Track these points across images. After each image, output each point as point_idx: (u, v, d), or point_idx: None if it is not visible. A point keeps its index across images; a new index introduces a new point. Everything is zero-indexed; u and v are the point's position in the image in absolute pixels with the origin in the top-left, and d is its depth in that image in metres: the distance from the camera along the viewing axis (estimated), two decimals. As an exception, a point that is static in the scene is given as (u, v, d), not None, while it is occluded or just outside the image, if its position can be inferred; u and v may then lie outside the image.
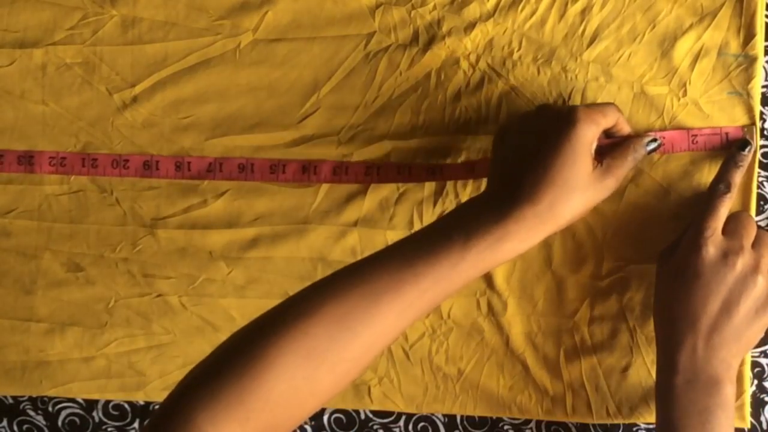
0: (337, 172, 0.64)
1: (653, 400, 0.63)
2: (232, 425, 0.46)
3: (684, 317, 0.57)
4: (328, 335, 0.49)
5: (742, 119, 0.61)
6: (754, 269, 0.57)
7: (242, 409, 0.47)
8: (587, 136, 0.54)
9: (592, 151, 0.55)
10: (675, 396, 0.56)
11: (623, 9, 0.61)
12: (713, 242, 0.57)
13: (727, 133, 0.61)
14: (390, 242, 0.64)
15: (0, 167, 0.66)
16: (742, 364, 0.62)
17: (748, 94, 0.61)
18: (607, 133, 0.57)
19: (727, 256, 0.56)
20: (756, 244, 0.58)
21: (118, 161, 0.65)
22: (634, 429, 0.65)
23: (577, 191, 0.54)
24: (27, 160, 0.66)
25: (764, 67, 0.61)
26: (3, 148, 0.66)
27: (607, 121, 0.56)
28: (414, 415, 0.67)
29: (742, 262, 0.56)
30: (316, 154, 0.64)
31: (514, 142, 0.57)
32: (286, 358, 0.48)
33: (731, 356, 0.57)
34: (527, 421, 0.66)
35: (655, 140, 0.58)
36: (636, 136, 0.58)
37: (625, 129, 0.58)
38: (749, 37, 0.60)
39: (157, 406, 0.65)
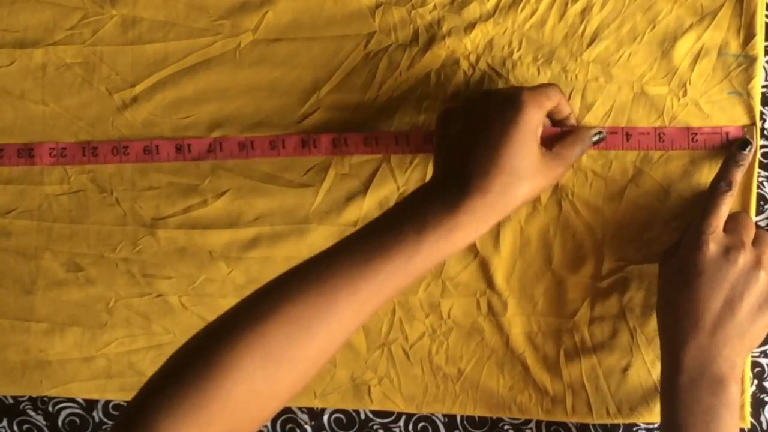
0: (337, 144, 0.64)
1: (653, 400, 0.63)
2: (193, 430, 0.46)
3: (687, 315, 0.57)
4: (285, 336, 0.49)
5: (742, 119, 0.61)
6: (756, 265, 0.56)
7: (203, 413, 0.46)
8: (534, 120, 0.54)
9: (539, 136, 0.55)
10: (679, 395, 0.56)
11: (623, 9, 0.61)
12: (714, 239, 0.57)
13: (727, 133, 0.61)
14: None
15: (0, 161, 0.66)
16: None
17: (748, 94, 0.61)
18: (550, 116, 0.58)
19: (728, 252, 0.56)
20: (756, 242, 0.58)
21: (118, 148, 0.65)
22: (634, 429, 0.65)
23: (527, 178, 0.54)
24: (27, 153, 0.66)
25: (764, 67, 0.61)
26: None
27: (550, 102, 0.56)
28: (414, 415, 0.67)
29: (743, 258, 0.56)
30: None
31: (458, 127, 0.56)
32: (244, 360, 0.47)
33: (735, 354, 0.56)
34: (527, 421, 0.66)
35: (600, 132, 0.60)
36: (583, 126, 0.60)
37: (566, 110, 0.59)
38: (749, 37, 0.60)
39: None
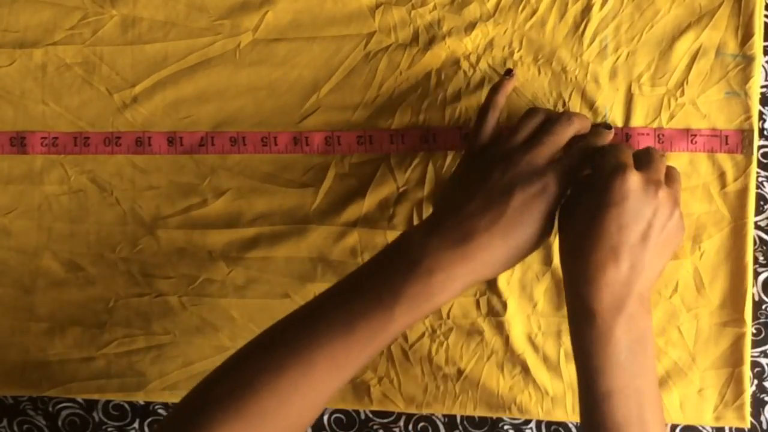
0: (329, 142, 0.64)
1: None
2: None
3: (603, 246, 0.53)
4: (262, 410, 0.49)
5: (739, 119, 0.61)
6: (673, 202, 0.54)
7: None
8: (555, 205, 0.55)
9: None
10: (595, 340, 0.53)
11: (622, 9, 0.61)
12: (633, 171, 0.53)
13: (726, 136, 0.61)
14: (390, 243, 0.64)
15: (-7, 150, 0.66)
16: (742, 363, 0.62)
17: (746, 94, 0.61)
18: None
19: (648, 185, 0.53)
20: (668, 179, 0.56)
21: (110, 139, 0.65)
22: (634, 428, 0.65)
23: (530, 250, 0.55)
24: (19, 141, 0.66)
25: (764, 67, 0.61)
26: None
27: (579, 170, 0.56)
28: (414, 415, 0.67)
29: (663, 193, 0.53)
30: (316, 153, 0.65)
31: (493, 179, 0.55)
32: None
33: (645, 290, 0.54)
34: (527, 421, 0.66)
35: None
36: None
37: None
38: (747, 36, 0.61)
39: None
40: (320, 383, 0.51)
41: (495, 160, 0.56)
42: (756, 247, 0.63)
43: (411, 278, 0.52)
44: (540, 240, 0.55)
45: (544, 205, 0.54)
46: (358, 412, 0.67)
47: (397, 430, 0.67)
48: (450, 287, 0.53)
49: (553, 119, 0.57)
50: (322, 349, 0.51)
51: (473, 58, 0.63)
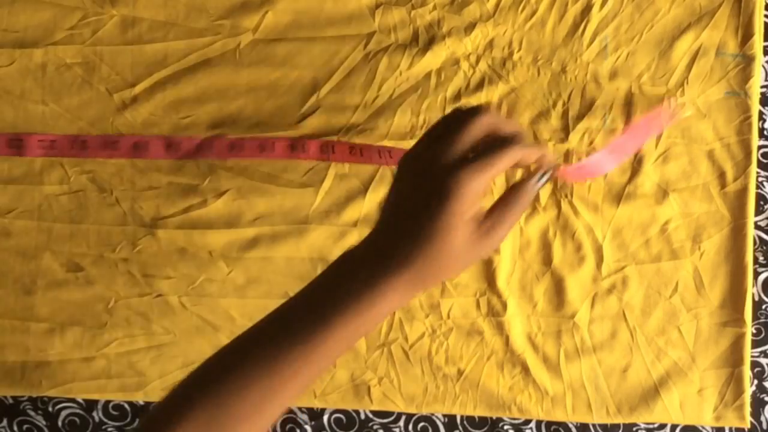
0: (324, 150, 0.64)
1: (653, 400, 0.63)
2: None
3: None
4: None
5: (739, 119, 0.61)
6: None
7: None
8: (461, 208, 0.50)
9: (475, 213, 0.51)
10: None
11: (622, 9, 0.62)
12: None
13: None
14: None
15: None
16: (742, 363, 0.62)
17: (746, 94, 0.61)
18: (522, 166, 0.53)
19: None
20: None
21: (107, 142, 0.65)
22: (634, 429, 0.65)
23: (455, 259, 0.51)
24: (17, 143, 0.66)
25: (763, 67, 0.61)
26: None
27: (497, 170, 0.51)
28: (414, 415, 0.67)
29: None
30: (316, 154, 0.65)
31: (407, 185, 0.53)
32: None
33: None
34: (527, 421, 0.66)
35: (543, 174, 0.53)
36: (522, 182, 0.52)
37: (532, 156, 0.52)
38: (747, 36, 0.61)
39: None
40: (263, 410, 0.50)
41: (407, 164, 0.53)
42: (756, 247, 0.63)
43: (355, 288, 0.51)
44: (478, 244, 0.52)
45: (459, 210, 0.51)
46: (358, 412, 0.67)
47: (397, 430, 0.67)
48: (393, 301, 0.51)
49: (459, 118, 0.53)
50: (262, 377, 0.50)
51: (473, 59, 0.63)
